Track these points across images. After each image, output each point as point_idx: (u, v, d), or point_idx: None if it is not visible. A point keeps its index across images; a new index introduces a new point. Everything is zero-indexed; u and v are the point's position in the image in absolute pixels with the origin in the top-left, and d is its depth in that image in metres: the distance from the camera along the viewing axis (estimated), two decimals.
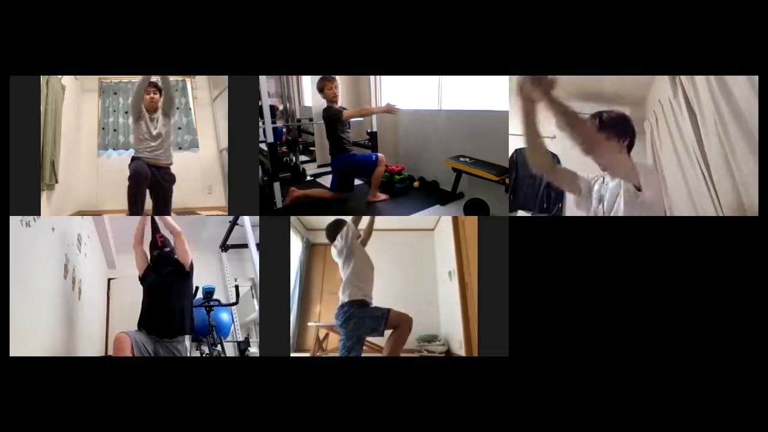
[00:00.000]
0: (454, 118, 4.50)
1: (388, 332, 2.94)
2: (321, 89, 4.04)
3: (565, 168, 2.26)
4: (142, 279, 2.92)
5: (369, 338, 3.16)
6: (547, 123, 2.02)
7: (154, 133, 3.37)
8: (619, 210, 2.10)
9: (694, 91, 2.45)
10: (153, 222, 3.01)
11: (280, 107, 5.87)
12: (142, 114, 3.34)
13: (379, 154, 4.15)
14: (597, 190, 2.22)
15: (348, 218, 3.09)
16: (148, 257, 2.96)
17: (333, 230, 3.10)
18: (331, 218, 3.22)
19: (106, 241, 4.03)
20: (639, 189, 2.01)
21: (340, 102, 4.10)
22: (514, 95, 1.94)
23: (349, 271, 2.97)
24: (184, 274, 2.90)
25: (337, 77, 4.02)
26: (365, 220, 3.26)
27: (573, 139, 1.95)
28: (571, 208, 3.11)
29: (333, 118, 3.99)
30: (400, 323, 2.88)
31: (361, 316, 2.86)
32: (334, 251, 3.08)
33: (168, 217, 2.97)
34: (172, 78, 4.31)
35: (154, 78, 3.38)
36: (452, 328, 4.10)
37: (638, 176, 2.00)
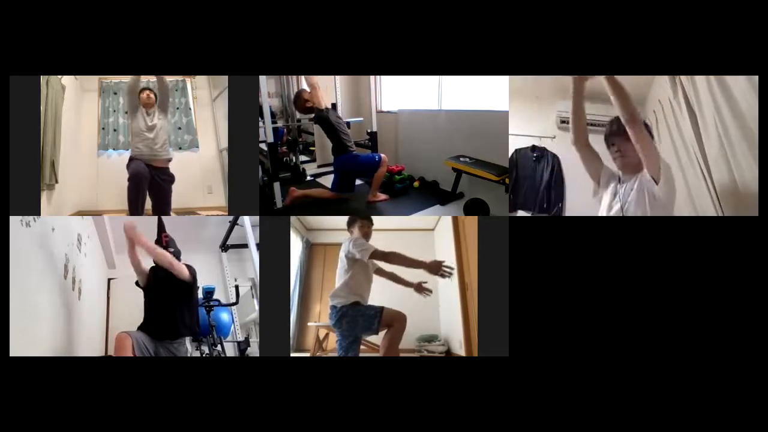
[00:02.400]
0: (454, 118, 4.50)
1: (384, 331, 2.93)
2: (303, 107, 4.09)
3: (596, 153, 2.33)
4: (145, 287, 2.87)
5: (366, 337, 3.15)
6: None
7: (150, 124, 3.39)
8: (632, 205, 2.17)
9: (694, 91, 2.45)
10: (159, 221, 3.00)
11: (273, 96, 5.86)
12: (139, 107, 3.37)
13: (382, 155, 4.15)
14: (613, 188, 2.28)
15: (371, 246, 2.87)
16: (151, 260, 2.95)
17: (348, 225, 3.07)
18: (330, 218, 3.21)
19: (106, 241, 4.03)
20: (655, 180, 2.10)
21: (341, 101, 4.12)
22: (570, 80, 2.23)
23: (346, 279, 2.93)
24: (184, 285, 2.86)
25: (305, 79, 4.06)
26: (396, 257, 2.88)
27: (622, 109, 2.11)
28: (572, 208, 3.12)
29: (323, 117, 4.03)
30: (394, 321, 2.87)
31: (354, 315, 2.85)
32: (341, 252, 3.03)
33: (157, 249, 2.80)
34: (171, 78, 4.34)
35: (145, 79, 3.43)
36: (452, 328, 4.10)
37: (659, 168, 2.10)
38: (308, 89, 4.09)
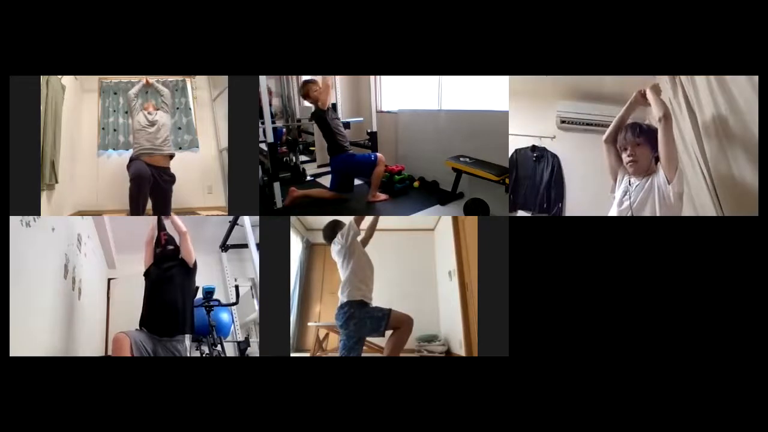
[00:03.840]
0: (454, 118, 4.50)
1: (388, 333, 2.94)
2: (306, 95, 4.07)
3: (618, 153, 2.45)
4: (146, 274, 2.92)
5: (369, 338, 3.15)
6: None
7: (152, 119, 3.43)
8: (644, 204, 2.25)
9: (694, 91, 2.45)
10: (159, 220, 3.02)
11: (274, 97, 5.86)
12: (138, 109, 3.42)
13: (378, 154, 4.15)
14: (624, 186, 2.34)
15: (350, 218, 3.09)
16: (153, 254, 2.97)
17: (330, 231, 3.10)
18: (330, 218, 3.22)
19: (106, 241, 4.03)
20: (669, 179, 2.18)
21: (341, 101, 4.12)
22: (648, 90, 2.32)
23: (349, 271, 2.96)
24: (187, 270, 2.91)
25: (321, 78, 4.04)
26: (368, 219, 3.26)
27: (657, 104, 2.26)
28: (572, 208, 3.12)
29: (320, 114, 4.04)
30: (401, 324, 2.88)
31: (362, 316, 2.86)
32: (333, 250, 3.08)
33: (175, 217, 2.99)
34: (171, 78, 4.33)
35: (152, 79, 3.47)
36: (452, 328, 4.10)
37: (677, 168, 2.19)
38: (319, 85, 4.08)
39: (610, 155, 2.43)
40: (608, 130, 2.43)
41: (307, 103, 6.14)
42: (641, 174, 2.30)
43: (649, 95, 2.28)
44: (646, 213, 2.26)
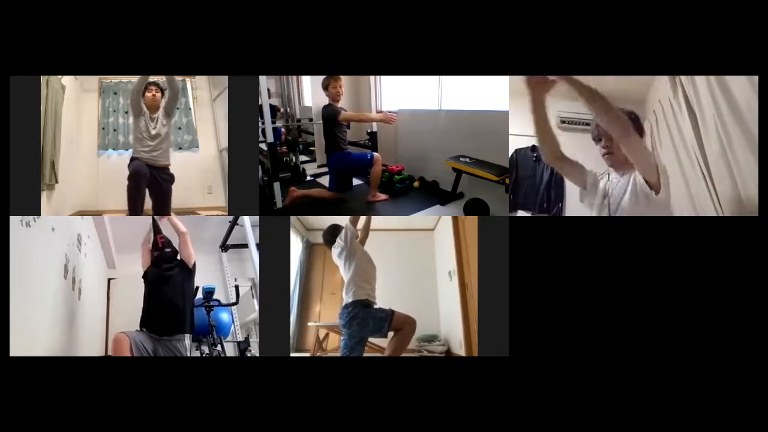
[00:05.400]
0: (454, 118, 4.50)
1: (390, 334, 2.94)
2: (326, 87, 4.05)
3: (573, 160, 2.30)
4: (145, 276, 2.92)
5: (371, 339, 3.16)
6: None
7: (153, 132, 3.37)
8: (625, 208, 2.11)
9: (694, 91, 2.45)
10: (154, 223, 3.01)
11: (273, 96, 5.87)
12: (143, 111, 3.36)
13: (375, 153, 4.15)
14: (603, 187, 2.23)
15: (346, 218, 3.09)
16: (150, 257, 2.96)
17: (330, 235, 3.11)
18: (330, 218, 3.22)
19: (106, 241, 4.03)
20: (654, 190, 2.02)
21: (342, 101, 4.10)
22: (524, 87, 2.04)
23: (352, 272, 2.96)
24: (186, 270, 2.91)
25: (342, 78, 4.02)
26: (362, 219, 3.27)
27: (607, 126, 1.97)
28: (571, 208, 3.12)
29: (332, 116, 4.01)
30: (404, 325, 2.88)
31: (365, 317, 2.86)
32: (334, 253, 3.08)
33: (174, 217, 2.99)
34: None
35: (155, 78, 3.40)
36: (452, 328, 4.10)
37: (658, 174, 2.01)
38: (342, 83, 4.03)
39: (565, 170, 2.25)
40: (539, 146, 2.19)
41: (307, 103, 6.18)
42: (620, 167, 2.15)
43: (565, 80, 1.97)
44: (633, 215, 2.13)
